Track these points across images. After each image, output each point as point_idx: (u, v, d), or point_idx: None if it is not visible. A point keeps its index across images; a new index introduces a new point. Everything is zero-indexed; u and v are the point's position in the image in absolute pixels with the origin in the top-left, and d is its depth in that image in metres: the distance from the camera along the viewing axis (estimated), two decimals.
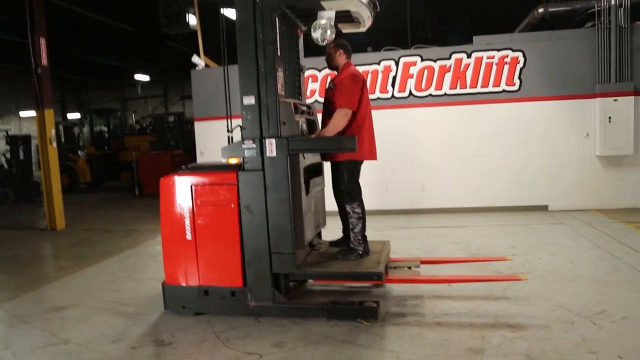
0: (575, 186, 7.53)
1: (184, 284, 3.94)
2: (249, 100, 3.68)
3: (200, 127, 8.74)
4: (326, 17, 3.66)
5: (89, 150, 15.78)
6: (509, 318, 3.57)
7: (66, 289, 4.96)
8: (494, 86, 7.58)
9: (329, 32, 3.63)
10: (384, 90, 7.94)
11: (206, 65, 8.75)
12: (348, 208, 4.06)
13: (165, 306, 4.03)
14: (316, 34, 3.66)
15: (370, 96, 7.97)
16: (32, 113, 10.15)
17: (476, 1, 12.64)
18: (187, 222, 3.88)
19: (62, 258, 6.70)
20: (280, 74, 3.73)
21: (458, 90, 7.71)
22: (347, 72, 4.06)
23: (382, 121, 8.00)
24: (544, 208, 7.60)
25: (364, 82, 4.05)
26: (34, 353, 3.48)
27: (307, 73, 8.01)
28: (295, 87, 4.43)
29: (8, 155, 13.62)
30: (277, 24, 3.73)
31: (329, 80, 5.33)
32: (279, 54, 3.74)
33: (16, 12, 8.50)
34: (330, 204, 4.48)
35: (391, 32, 14.13)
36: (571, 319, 3.51)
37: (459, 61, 7.66)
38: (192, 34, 9.94)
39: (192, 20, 9.07)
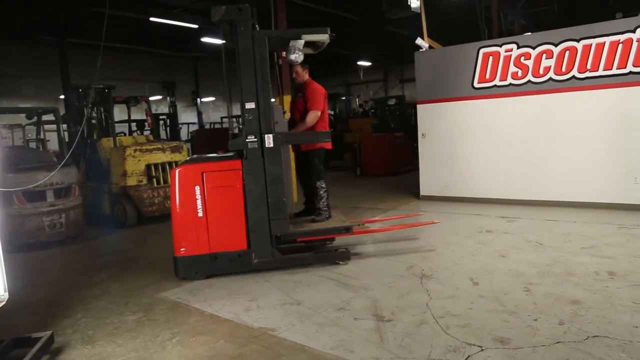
0: None
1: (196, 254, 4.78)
2: (250, 105, 4.68)
3: (422, 110, 8.61)
4: (298, 45, 4.80)
5: None
6: None
7: None
8: None
9: (301, 55, 4.85)
10: (638, 63, 6.63)
11: (430, 47, 8.66)
12: (318, 184, 5.32)
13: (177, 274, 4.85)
14: (292, 56, 4.82)
15: (621, 71, 6.81)
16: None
17: None
18: (199, 202, 4.72)
19: None
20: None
21: None
22: (315, 85, 5.41)
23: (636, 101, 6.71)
24: None
25: (325, 94, 5.49)
26: (273, 308, 4.00)
27: (541, 48, 7.30)
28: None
29: None
30: (267, 46, 4.75)
31: None
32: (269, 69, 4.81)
33: (262, 11, 9.75)
34: None
35: None
36: None
37: None
38: (412, 18, 9.93)
39: (414, 2, 9.05)
